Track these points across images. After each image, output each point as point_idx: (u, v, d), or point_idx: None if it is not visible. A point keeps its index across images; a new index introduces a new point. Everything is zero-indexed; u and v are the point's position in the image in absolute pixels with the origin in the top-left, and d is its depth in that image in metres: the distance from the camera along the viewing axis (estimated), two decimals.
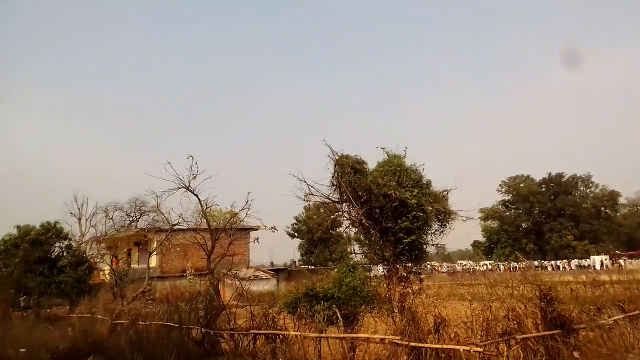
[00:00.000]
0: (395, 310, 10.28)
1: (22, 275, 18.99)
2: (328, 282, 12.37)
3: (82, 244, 26.49)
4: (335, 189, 12.60)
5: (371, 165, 12.59)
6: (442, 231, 12.27)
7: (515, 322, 8.22)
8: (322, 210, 54.90)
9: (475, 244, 75.76)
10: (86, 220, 30.17)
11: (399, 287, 10.97)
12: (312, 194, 12.90)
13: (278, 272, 41.24)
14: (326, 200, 13.09)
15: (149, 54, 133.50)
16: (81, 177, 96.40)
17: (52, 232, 20.80)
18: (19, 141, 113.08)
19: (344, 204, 12.67)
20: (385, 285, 12.03)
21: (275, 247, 65.70)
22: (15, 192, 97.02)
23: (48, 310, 19.92)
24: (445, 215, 12.10)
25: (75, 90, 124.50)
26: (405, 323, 8.92)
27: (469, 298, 9.61)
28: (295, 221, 64.31)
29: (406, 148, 12.56)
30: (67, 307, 19.81)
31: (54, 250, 20.80)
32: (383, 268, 14.01)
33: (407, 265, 11.97)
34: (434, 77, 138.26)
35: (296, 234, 64.41)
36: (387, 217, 11.62)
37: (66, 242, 21.59)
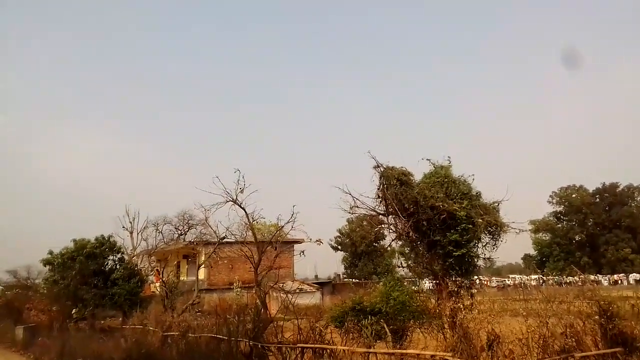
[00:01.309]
0: (446, 326, 10.05)
1: (78, 287, 19.71)
2: (375, 296, 12.26)
3: (134, 257, 27.39)
4: (380, 201, 12.49)
5: (417, 177, 12.45)
6: (493, 244, 11.91)
7: (573, 339, 7.87)
8: (365, 223, 54.75)
9: (526, 258, 73.28)
10: (137, 233, 31.30)
11: (449, 302, 10.71)
12: (357, 207, 12.81)
13: (322, 285, 41.30)
14: (371, 212, 12.98)
15: (197, 70, 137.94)
16: (133, 192, 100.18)
17: (105, 245, 21.54)
18: (74, 158, 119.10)
19: (390, 216, 12.53)
20: (434, 299, 11.80)
21: (318, 260, 65.61)
22: (72, 207, 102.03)
23: (102, 322, 20.65)
24: (496, 228, 11.75)
25: (126, 108, 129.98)
26: (456, 339, 8.69)
27: (523, 314, 9.28)
28: (339, 234, 64.18)
29: (449, 157, 12.34)
30: (120, 319, 20.44)
31: (107, 263, 21.50)
32: (430, 282, 13.75)
33: (457, 279, 11.70)
34: (474, 84, 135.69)
35: (339, 246, 64.22)
36: (435, 230, 11.40)
37: (119, 255, 22.31)
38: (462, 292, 11.52)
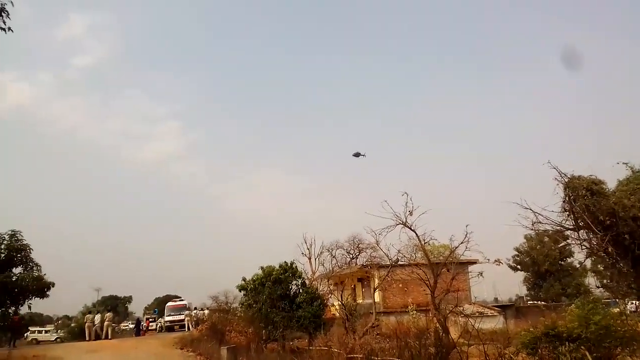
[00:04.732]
0: None
1: (269, 310, 21.34)
2: (571, 320, 11.07)
3: (314, 281, 28.93)
4: (568, 215, 11.35)
5: (610, 184, 11.08)
6: None
7: None
8: (546, 240, 49.73)
9: None
10: (315, 259, 33.21)
11: None
12: (539, 222, 11.82)
13: (504, 308, 38.64)
14: (557, 228, 11.85)
15: (359, 93, 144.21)
16: (309, 221, 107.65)
17: (289, 271, 22.94)
18: (256, 195, 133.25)
19: (581, 231, 11.30)
20: None
21: (497, 281, 61.16)
22: (258, 238, 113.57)
23: (291, 343, 21.99)
24: None
25: (294, 147, 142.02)
26: None
27: None
28: (517, 252, 59.53)
29: None
30: (306, 340, 21.55)
31: (291, 288, 22.81)
32: (632, 303, 12.02)
33: None
34: None
35: (519, 266, 59.43)
36: None
37: (300, 280, 23.62)
38: None
